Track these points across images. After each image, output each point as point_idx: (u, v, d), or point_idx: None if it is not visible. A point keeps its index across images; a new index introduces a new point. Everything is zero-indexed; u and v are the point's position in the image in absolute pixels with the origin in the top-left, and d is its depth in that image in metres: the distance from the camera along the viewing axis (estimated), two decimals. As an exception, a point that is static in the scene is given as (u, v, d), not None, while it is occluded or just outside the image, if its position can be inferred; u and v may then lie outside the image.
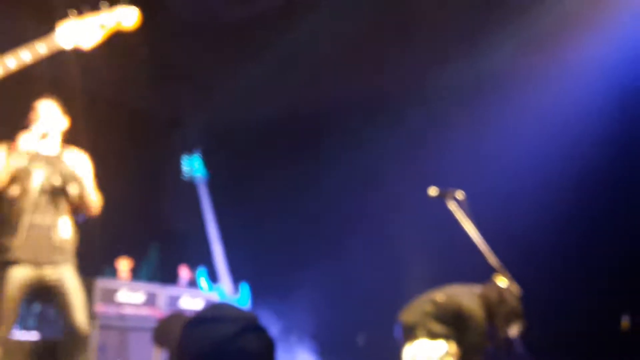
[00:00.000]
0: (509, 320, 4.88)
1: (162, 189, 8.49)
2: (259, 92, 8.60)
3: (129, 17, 2.64)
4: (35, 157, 3.91)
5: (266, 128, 8.56)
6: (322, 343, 7.15)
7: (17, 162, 3.86)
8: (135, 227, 8.27)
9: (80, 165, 4.02)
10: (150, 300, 6.07)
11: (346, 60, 8.02)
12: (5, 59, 2.37)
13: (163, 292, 6.21)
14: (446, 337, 4.85)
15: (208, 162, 7.75)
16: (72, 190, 3.94)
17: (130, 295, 5.92)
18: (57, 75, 6.45)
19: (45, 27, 2.60)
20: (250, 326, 1.43)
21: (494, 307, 4.88)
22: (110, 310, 5.73)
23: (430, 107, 7.55)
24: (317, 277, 7.35)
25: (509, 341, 4.96)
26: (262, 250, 7.89)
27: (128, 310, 5.87)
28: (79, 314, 3.86)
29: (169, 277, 7.33)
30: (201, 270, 7.17)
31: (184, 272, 7.16)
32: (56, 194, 3.92)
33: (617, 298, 6.26)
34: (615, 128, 6.39)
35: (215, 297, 6.82)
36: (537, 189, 6.84)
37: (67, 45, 2.51)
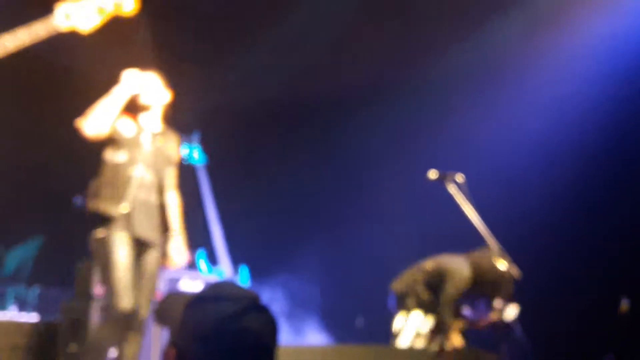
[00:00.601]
0: (505, 300, 4.90)
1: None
2: (257, 73, 8.57)
3: (127, 2, 2.60)
4: (141, 130, 3.91)
5: (264, 110, 8.53)
6: (327, 321, 7.18)
7: (128, 129, 3.85)
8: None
9: (177, 150, 4.08)
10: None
11: (346, 44, 7.99)
12: (3, 39, 2.34)
13: (162, 274, 6.20)
14: (435, 305, 4.91)
15: (206, 145, 7.74)
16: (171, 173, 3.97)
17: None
18: (52, 56, 6.42)
19: (44, 8, 2.57)
20: (252, 305, 1.42)
21: (483, 274, 4.91)
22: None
23: (428, 90, 7.53)
24: (318, 257, 7.36)
25: (506, 324, 4.98)
26: (261, 232, 7.88)
27: (127, 292, 5.85)
28: (144, 299, 3.79)
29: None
30: (200, 252, 7.18)
31: (183, 255, 7.14)
32: (159, 173, 3.91)
33: (616, 281, 6.27)
34: (619, 109, 6.38)
35: (214, 279, 6.82)
36: (537, 172, 6.84)
37: (65, 28, 2.47)
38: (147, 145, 3.90)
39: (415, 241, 5.85)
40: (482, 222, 4.94)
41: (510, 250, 4.98)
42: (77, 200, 7.69)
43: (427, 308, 5.00)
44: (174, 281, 6.34)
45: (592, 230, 6.50)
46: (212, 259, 7.25)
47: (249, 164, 8.38)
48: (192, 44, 9.09)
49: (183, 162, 7.62)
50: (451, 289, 4.94)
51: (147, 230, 3.81)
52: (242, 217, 7.77)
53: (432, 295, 5.01)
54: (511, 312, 4.90)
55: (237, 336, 1.35)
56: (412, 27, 7.55)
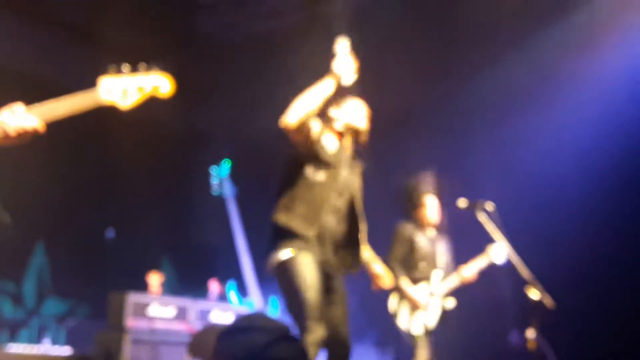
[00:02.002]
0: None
1: (190, 203, 8.54)
2: (283, 103, 8.61)
3: (164, 85, 2.67)
4: (342, 152, 3.85)
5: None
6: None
7: (331, 146, 3.80)
8: (165, 241, 8.33)
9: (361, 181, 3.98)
10: (181, 315, 6.11)
11: (374, 72, 8.01)
12: (49, 105, 2.42)
13: (193, 306, 6.24)
14: None
15: (236, 175, 7.80)
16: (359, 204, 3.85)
17: (161, 309, 5.96)
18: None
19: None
20: (282, 335, 1.43)
21: None
22: (142, 324, 5.76)
23: (457, 118, 7.52)
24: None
25: (541, 353, 4.94)
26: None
27: (159, 325, 5.90)
28: (345, 327, 3.62)
29: (199, 291, 7.36)
30: (231, 283, 7.20)
31: (213, 286, 7.19)
32: (347, 202, 3.80)
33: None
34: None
35: (245, 310, 6.83)
36: (568, 199, 6.76)
37: (106, 102, 2.55)
38: (344, 170, 3.80)
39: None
40: (514, 250, 4.90)
41: (542, 279, 4.93)
42: (110, 234, 7.82)
43: None
44: (205, 313, 6.36)
45: (626, 256, 6.39)
46: (242, 291, 7.27)
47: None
48: (220, 74, 9.24)
49: (213, 194, 7.70)
50: None
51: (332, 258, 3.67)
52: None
53: None
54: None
55: (269, 366, 1.36)
56: (444, 48, 7.58)
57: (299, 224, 3.55)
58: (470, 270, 5.53)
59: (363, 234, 3.80)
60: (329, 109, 4.01)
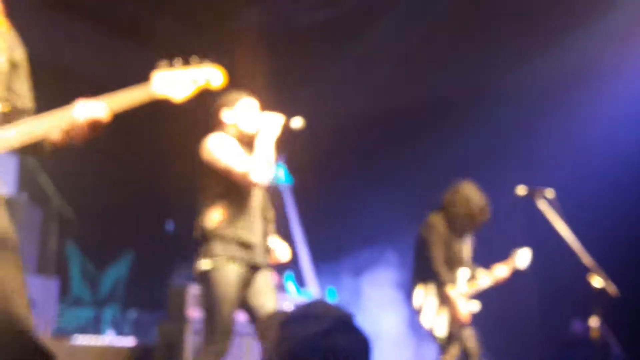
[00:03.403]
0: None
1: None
2: (340, 92, 8.65)
3: (216, 77, 2.67)
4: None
5: (348, 128, 8.58)
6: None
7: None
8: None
9: None
10: (240, 305, 6.15)
11: (430, 58, 7.99)
12: (106, 99, 2.46)
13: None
14: None
15: (291, 165, 7.83)
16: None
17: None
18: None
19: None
20: (341, 323, 1.43)
21: None
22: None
23: (516, 103, 7.40)
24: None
25: (605, 342, 4.85)
26: (347, 254, 7.90)
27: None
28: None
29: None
30: (288, 274, 7.24)
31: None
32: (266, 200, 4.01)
33: None
34: None
35: (303, 301, 6.86)
36: (630, 184, 6.60)
37: (160, 95, 2.56)
38: None
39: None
40: (575, 238, 4.81)
41: (606, 266, 4.82)
42: (169, 226, 7.95)
43: None
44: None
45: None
46: (300, 281, 7.30)
47: (334, 183, 8.42)
48: (271, 62, 9.28)
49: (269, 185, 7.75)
50: None
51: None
52: (330, 237, 7.79)
53: None
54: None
55: (327, 353, 1.36)
56: (499, 35, 7.48)
57: (233, 232, 3.78)
58: (502, 270, 5.33)
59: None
60: (221, 109, 3.98)
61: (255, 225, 3.82)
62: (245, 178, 3.71)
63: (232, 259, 3.71)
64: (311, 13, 9.40)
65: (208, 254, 3.73)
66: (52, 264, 5.95)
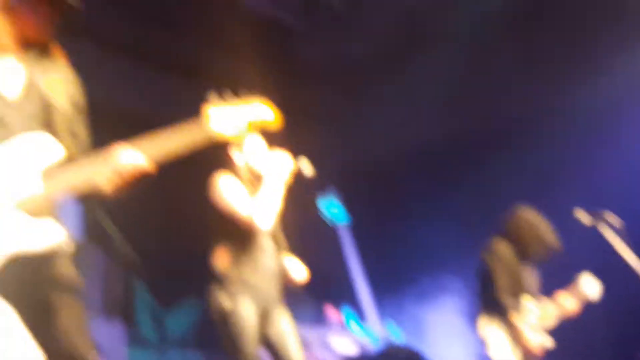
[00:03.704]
0: None
1: (302, 229, 8.61)
2: (390, 126, 8.67)
3: (268, 114, 2.66)
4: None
5: (401, 162, 8.57)
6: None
7: None
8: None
9: None
10: (302, 342, 6.14)
11: (484, 84, 7.96)
12: (158, 139, 2.45)
13: (314, 334, 6.28)
14: None
15: (345, 201, 7.84)
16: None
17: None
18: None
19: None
20: None
21: None
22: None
23: (574, 126, 7.29)
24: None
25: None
26: (408, 289, 7.85)
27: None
28: None
29: (318, 319, 7.41)
30: (348, 310, 7.22)
31: (331, 313, 7.22)
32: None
33: None
34: None
35: (364, 337, 6.82)
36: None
37: (213, 132, 2.53)
38: None
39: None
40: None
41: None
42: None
43: None
44: (325, 340, 6.39)
45: None
46: (360, 317, 7.26)
47: (391, 216, 8.40)
48: (322, 96, 9.36)
49: (324, 222, 7.76)
50: None
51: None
52: (388, 273, 7.75)
53: None
54: None
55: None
56: (555, 57, 7.44)
57: (241, 273, 3.90)
58: (569, 301, 5.16)
59: None
60: (229, 149, 4.03)
61: (260, 266, 3.87)
62: (248, 223, 3.76)
63: (242, 297, 3.76)
64: (361, 45, 9.48)
65: (219, 294, 3.81)
66: (117, 307, 6.05)
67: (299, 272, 4.16)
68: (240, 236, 3.84)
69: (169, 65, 8.20)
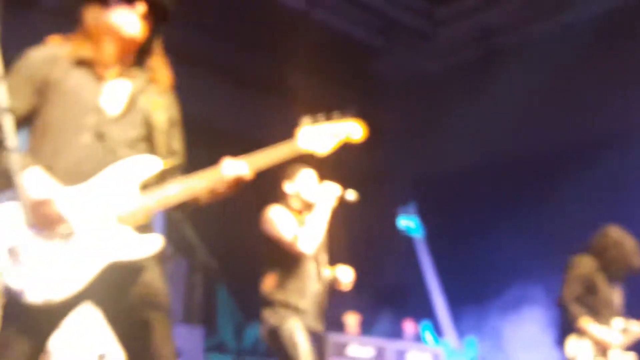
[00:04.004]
0: None
1: (379, 243, 8.64)
2: (468, 139, 8.62)
3: (356, 131, 2.76)
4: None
5: (481, 175, 8.50)
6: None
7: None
8: (357, 281, 8.47)
9: None
10: (380, 355, 6.15)
11: (561, 101, 7.86)
12: (253, 156, 2.56)
13: (391, 347, 6.27)
14: None
15: (422, 214, 7.82)
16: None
17: (360, 349, 6.05)
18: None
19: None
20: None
21: None
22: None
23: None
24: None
25: None
26: (489, 302, 7.74)
27: (358, 365, 5.98)
28: None
29: (395, 332, 7.42)
30: (426, 324, 7.19)
31: (408, 327, 7.22)
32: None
33: None
34: None
35: (441, 351, 6.77)
36: None
37: (304, 150, 2.65)
38: None
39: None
40: None
41: None
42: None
43: None
44: (402, 353, 6.38)
45: None
46: (438, 331, 7.23)
47: (467, 231, 8.32)
48: (401, 111, 9.38)
49: (401, 234, 7.76)
50: None
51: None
52: (469, 286, 7.68)
53: None
54: None
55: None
56: (632, 73, 7.27)
57: (295, 299, 4.04)
58: None
59: None
60: (282, 181, 4.21)
61: (307, 290, 4.04)
62: (292, 247, 3.95)
63: (291, 318, 3.94)
64: (438, 61, 9.49)
65: (269, 316, 4.01)
66: (197, 313, 6.19)
67: (346, 276, 4.29)
68: (287, 262, 4.05)
69: (262, 87, 8.46)
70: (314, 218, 3.99)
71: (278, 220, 4.06)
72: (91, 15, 2.48)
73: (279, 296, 3.99)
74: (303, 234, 3.94)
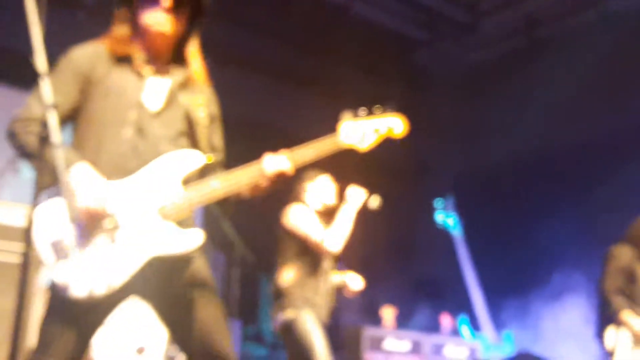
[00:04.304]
0: None
1: (417, 237, 8.63)
2: (510, 131, 8.57)
3: (398, 126, 2.75)
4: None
5: (517, 168, 8.45)
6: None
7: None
8: (394, 274, 8.48)
9: None
10: (416, 349, 6.17)
11: (599, 94, 7.78)
12: (296, 151, 2.57)
13: (428, 341, 6.29)
14: None
15: (460, 207, 7.79)
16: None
17: (396, 343, 6.07)
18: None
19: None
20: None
21: None
22: (378, 357, 5.90)
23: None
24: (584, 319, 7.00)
25: None
26: (526, 296, 7.70)
27: (395, 358, 6.00)
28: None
29: (432, 325, 7.41)
30: (463, 318, 7.17)
31: (445, 321, 7.21)
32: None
33: None
34: None
35: (478, 345, 6.76)
36: None
37: (346, 145, 2.63)
38: None
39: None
40: None
41: None
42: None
43: None
44: (439, 347, 6.39)
45: None
46: (475, 325, 7.20)
47: (506, 224, 8.28)
48: (441, 104, 9.35)
49: (438, 227, 7.75)
50: None
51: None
52: (505, 280, 7.64)
53: None
54: None
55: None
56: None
57: (311, 295, 4.11)
58: None
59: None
60: (304, 183, 4.30)
61: (321, 286, 4.14)
62: (319, 246, 4.06)
63: (306, 310, 4.01)
64: (482, 52, 9.44)
65: (283, 308, 4.06)
66: (235, 308, 6.25)
67: (355, 283, 4.36)
68: (308, 259, 4.14)
69: (303, 82, 8.52)
70: (340, 219, 4.10)
71: (306, 218, 4.16)
72: (123, 16, 2.51)
73: (297, 291, 4.07)
74: (331, 234, 4.06)
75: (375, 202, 4.25)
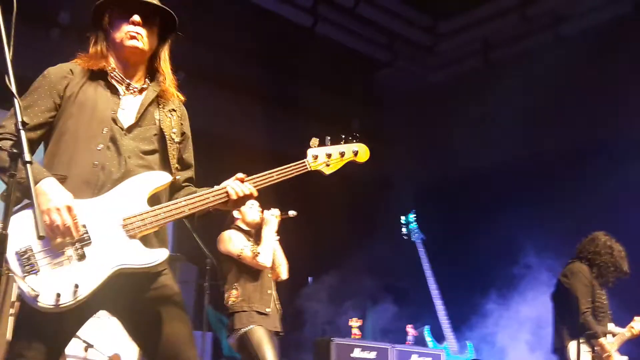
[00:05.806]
0: None
1: (381, 249, 8.78)
2: (468, 146, 8.82)
3: (362, 152, 2.92)
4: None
5: (475, 184, 8.69)
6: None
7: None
8: (358, 286, 8.63)
9: None
10: (382, 358, 6.32)
11: (557, 110, 8.06)
12: (266, 174, 2.69)
13: (393, 350, 6.45)
14: None
15: (424, 219, 7.96)
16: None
17: (363, 353, 6.22)
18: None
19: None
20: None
21: None
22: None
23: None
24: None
25: None
26: (483, 309, 7.93)
27: (362, 368, 6.15)
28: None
29: (398, 336, 7.56)
30: (427, 328, 7.33)
31: (410, 330, 7.37)
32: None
33: None
34: None
35: (442, 354, 6.93)
36: None
37: (312, 168, 2.79)
38: None
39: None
40: None
41: None
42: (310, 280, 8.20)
43: None
44: (405, 356, 6.53)
45: None
46: (439, 335, 7.37)
47: (465, 236, 8.50)
48: (400, 121, 9.56)
49: (404, 238, 7.91)
50: None
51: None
52: (462, 290, 7.85)
53: None
54: None
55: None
56: (627, 86, 7.49)
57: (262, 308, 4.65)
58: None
59: None
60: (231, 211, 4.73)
61: (266, 298, 4.62)
62: (253, 263, 4.58)
63: (255, 323, 4.50)
64: (437, 72, 9.71)
65: (236, 325, 4.54)
66: (207, 320, 6.35)
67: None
68: (248, 276, 4.64)
69: (275, 101, 8.68)
70: (265, 238, 4.65)
71: (236, 241, 4.66)
72: (97, 37, 2.62)
73: (245, 306, 4.54)
74: (261, 251, 4.58)
75: (293, 212, 4.82)
